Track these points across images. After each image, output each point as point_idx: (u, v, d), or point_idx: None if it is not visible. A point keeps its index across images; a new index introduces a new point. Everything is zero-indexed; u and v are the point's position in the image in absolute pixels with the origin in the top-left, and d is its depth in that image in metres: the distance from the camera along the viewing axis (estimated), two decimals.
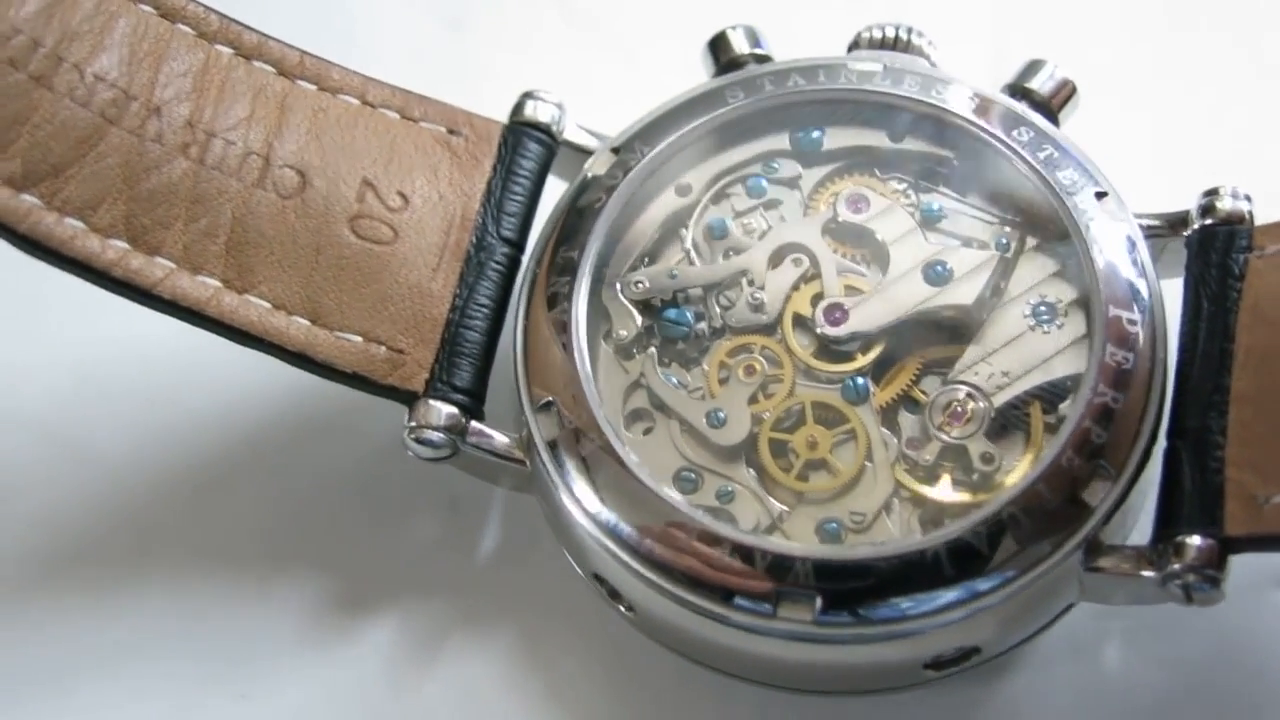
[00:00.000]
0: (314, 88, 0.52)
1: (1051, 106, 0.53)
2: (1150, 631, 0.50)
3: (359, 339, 0.50)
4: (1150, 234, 0.50)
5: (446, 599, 0.53)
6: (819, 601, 0.45)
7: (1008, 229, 0.51)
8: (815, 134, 0.53)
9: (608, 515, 0.47)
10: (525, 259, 0.52)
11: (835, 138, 0.53)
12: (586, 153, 0.53)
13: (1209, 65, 0.60)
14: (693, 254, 0.52)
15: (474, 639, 0.52)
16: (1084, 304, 0.49)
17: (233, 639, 0.52)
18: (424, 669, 0.52)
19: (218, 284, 0.49)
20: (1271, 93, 0.59)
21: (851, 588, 0.45)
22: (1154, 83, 0.60)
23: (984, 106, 0.51)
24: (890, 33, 0.54)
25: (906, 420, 0.49)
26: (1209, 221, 0.50)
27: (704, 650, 0.49)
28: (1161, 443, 0.47)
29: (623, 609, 0.50)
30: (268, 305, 0.49)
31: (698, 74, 0.54)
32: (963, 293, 0.50)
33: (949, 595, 0.45)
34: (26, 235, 0.47)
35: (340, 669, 0.52)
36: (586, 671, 0.52)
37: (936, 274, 0.50)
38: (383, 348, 0.50)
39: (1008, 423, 0.49)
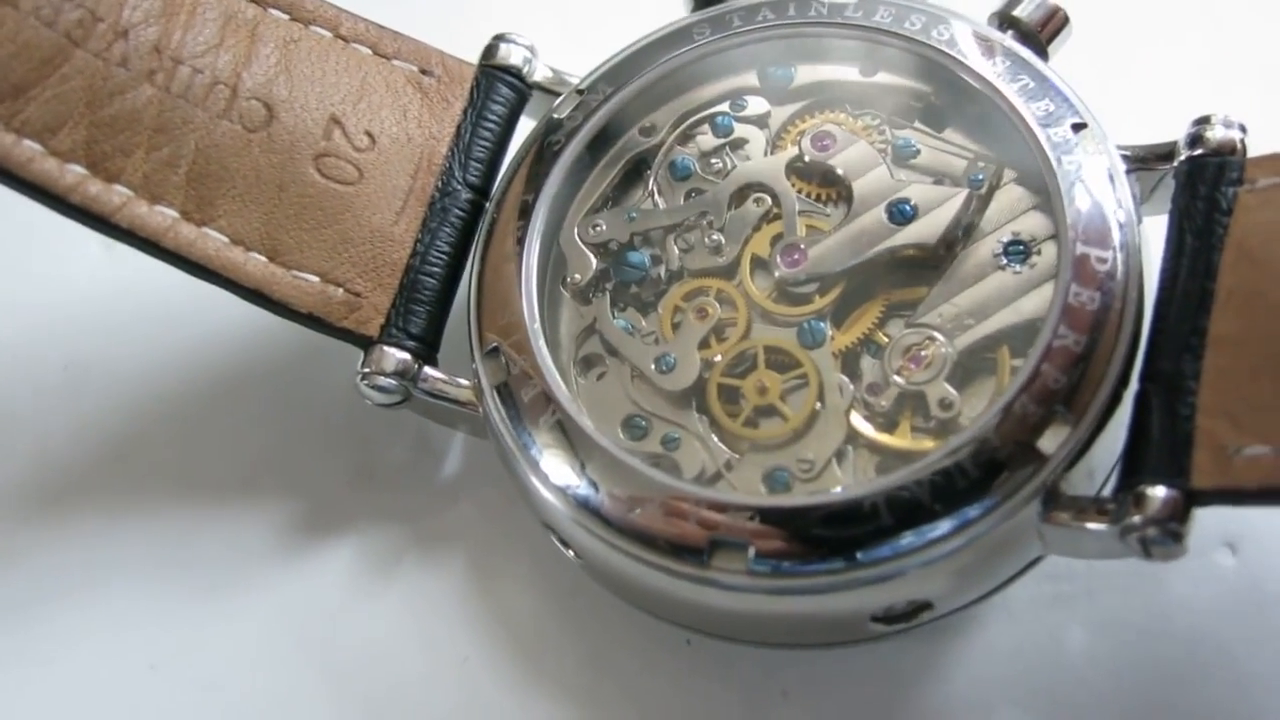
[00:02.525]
0: (286, 17, 0.50)
1: (1040, 37, 0.48)
2: (1096, 594, 0.46)
3: (316, 279, 0.48)
4: (1137, 167, 0.46)
5: (404, 525, 0.51)
6: (751, 551, 0.42)
7: (983, 164, 0.47)
8: (785, 71, 0.49)
9: (549, 461, 0.45)
10: (488, 204, 0.50)
11: (805, 74, 0.49)
12: (557, 95, 0.51)
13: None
14: (655, 195, 0.49)
15: (427, 563, 0.51)
16: (1055, 235, 0.45)
17: (201, 561, 0.51)
18: (377, 591, 0.50)
19: (176, 215, 0.47)
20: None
21: (786, 537, 0.42)
22: (1155, 13, 0.55)
23: (960, 36, 0.47)
24: None
25: (868, 365, 0.46)
26: (1198, 152, 0.45)
27: (647, 599, 0.46)
28: (1133, 386, 0.43)
29: (572, 554, 0.47)
30: (226, 239, 0.48)
31: (677, 10, 0.51)
32: (926, 231, 0.46)
33: (892, 546, 0.42)
34: None
35: (300, 587, 0.51)
36: (531, 598, 0.50)
37: (901, 212, 0.46)
38: (340, 290, 0.48)
39: (974, 367, 0.45)
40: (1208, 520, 0.41)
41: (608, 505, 0.44)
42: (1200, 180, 0.44)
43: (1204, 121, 0.45)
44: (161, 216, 0.47)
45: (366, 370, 0.48)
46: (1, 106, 0.45)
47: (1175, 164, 0.45)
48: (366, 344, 0.48)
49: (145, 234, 0.47)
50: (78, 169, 0.46)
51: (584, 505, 0.44)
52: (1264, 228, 0.43)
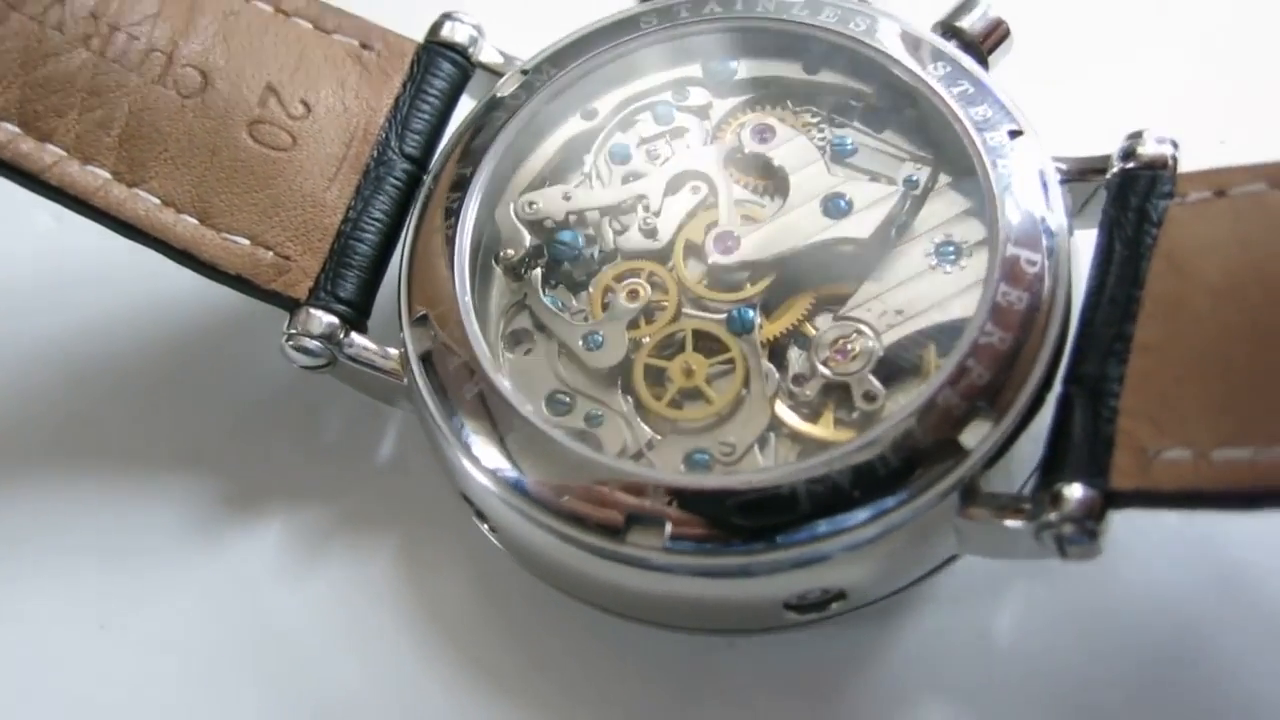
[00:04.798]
0: None
1: (981, 48, 0.47)
2: (1043, 579, 0.45)
3: (246, 242, 0.46)
4: (1070, 179, 0.45)
5: (335, 505, 0.49)
6: (668, 528, 0.41)
7: (918, 165, 0.46)
8: (729, 64, 0.48)
9: (470, 433, 0.43)
10: (426, 177, 0.48)
11: (749, 68, 0.48)
12: (501, 76, 0.50)
13: (1150, 16, 0.55)
14: (593, 178, 0.48)
15: (357, 545, 0.48)
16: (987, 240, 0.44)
17: (117, 539, 0.49)
18: (304, 573, 0.48)
19: (107, 175, 0.46)
20: (1211, 47, 0.54)
21: (704, 516, 0.41)
22: (1093, 32, 0.54)
23: (903, 40, 0.46)
24: None
25: (795, 356, 0.45)
26: (1130, 165, 0.44)
27: (562, 578, 0.45)
28: (1057, 389, 0.42)
29: (487, 529, 0.46)
30: (156, 201, 0.46)
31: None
32: (860, 226, 0.45)
33: (807, 532, 0.41)
34: None
35: (223, 567, 0.48)
36: (460, 582, 0.48)
37: (836, 207, 0.46)
38: (270, 253, 0.46)
39: (900, 364, 0.44)
40: None
41: (526, 478, 0.42)
42: (1132, 192, 0.44)
43: (1137, 136, 0.44)
44: (93, 176, 0.46)
45: (292, 331, 0.46)
46: None
47: (1108, 177, 0.45)
48: (294, 307, 0.46)
49: (75, 192, 0.46)
50: (9, 127, 0.46)
51: (502, 478, 0.42)
52: (1193, 240, 0.42)
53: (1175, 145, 0.44)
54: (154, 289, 0.53)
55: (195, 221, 0.46)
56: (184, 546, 0.49)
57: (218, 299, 0.52)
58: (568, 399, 0.45)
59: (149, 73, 0.47)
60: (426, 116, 0.49)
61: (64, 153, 0.46)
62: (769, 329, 0.45)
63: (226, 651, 0.47)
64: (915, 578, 0.43)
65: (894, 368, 0.44)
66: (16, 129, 0.45)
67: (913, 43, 0.46)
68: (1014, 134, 0.44)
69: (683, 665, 0.46)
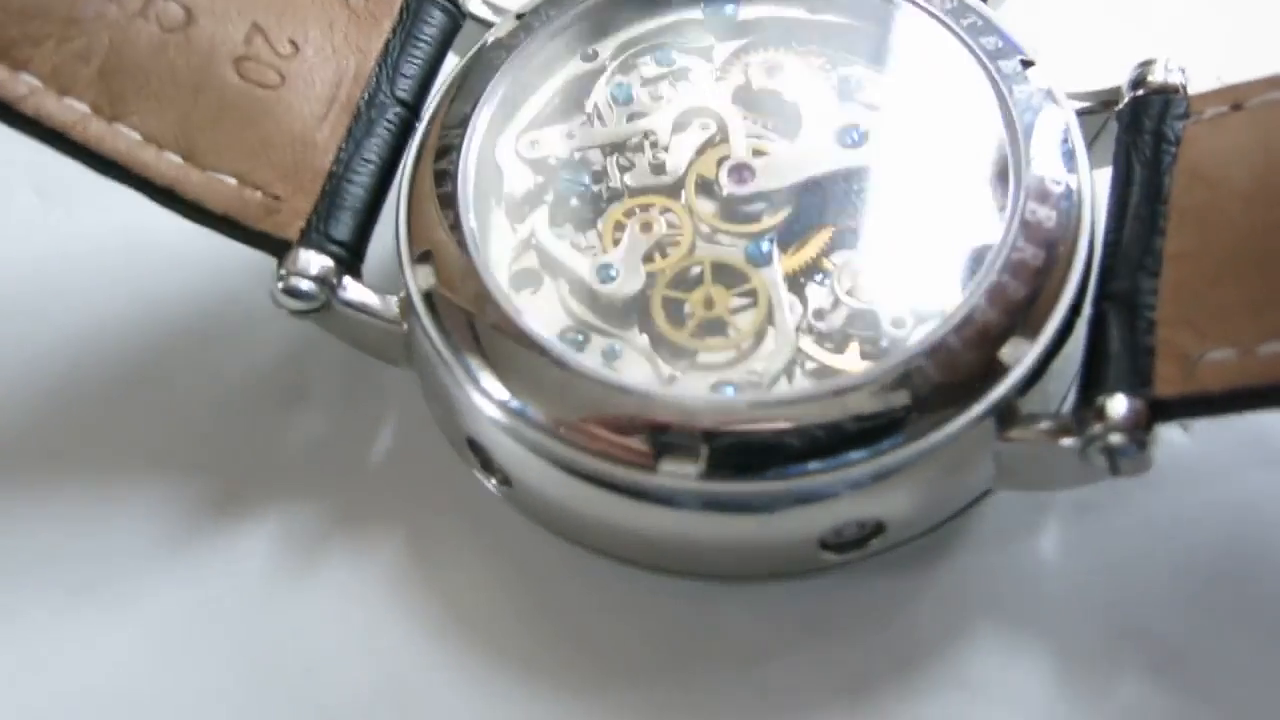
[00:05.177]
0: None
1: None
2: (1084, 514, 0.44)
3: (234, 181, 0.44)
4: (1082, 111, 0.45)
5: (330, 500, 0.46)
6: (705, 451, 0.39)
7: (928, 100, 0.45)
8: (730, 6, 0.47)
9: (482, 368, 0.41)
10: (421, 119, 0.46)
11: (750, 10, 0.47)
12: (490, 28, 0.48)
13: None
14: (595, 118, 0.46)
15: (358, 542, 0.45)
16: (1005, 168, 0.43)
17: (104, 543, 0.45)
18: (303, 576, 0.45)
19: (86, 109, 0.43)
20: None
21: (739, 442, 0.39)
22: None
23: None
24: None
25: (814, 291, 0.43)
26: (1141, 92, 0.44)
27: (585, 524, 0.42)
28: (1087, 312, 0.41)
29: (494, 483, 0.43)
30: (138, 137, 0.43)
31: None
32: (878, 150, 0.44)
33: (847, 455, 0.39)
34: None
35: (218, 576, 0.45)
36: (472, 576, 0.44)
37: (850, 139, 0.45)
38: (258, 193, 0.44)
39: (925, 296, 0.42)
40: None
41: (547, 411, 0.40)
42: (1146, 116, 0.43)
43: (1147, 64, 0.44)
44: (71, 110, 0.43)
45: (284, 272, 0.43)
46: None
47: (1119, 107, 0.44)
48: (284, 249, 0.43)
49: (52, 125, 0.42)
50: None
51: (520, 414, 0.40)
52: (1214, 153, 0.42)
53: (1184, 72, 0.44)
54: (136, 289, 0.50)
55: (179, 159, 0.43)
56: (176, 553, 0.45)
57: (200, 295, 0.50)
58: (581, 336, 0.42)
59: (130, 5, 0.44)
60: (418, 62, 0.47)
61: (40, 83, 0.42)
62: (787, 263, 0.43)
63: (229, 662, 0.44)
64: (953, 511, 0.42)
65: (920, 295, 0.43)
66: None
67: None
68: (1026, 64, 0.44)
69: (713, 634, 0.43)
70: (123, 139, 0.43)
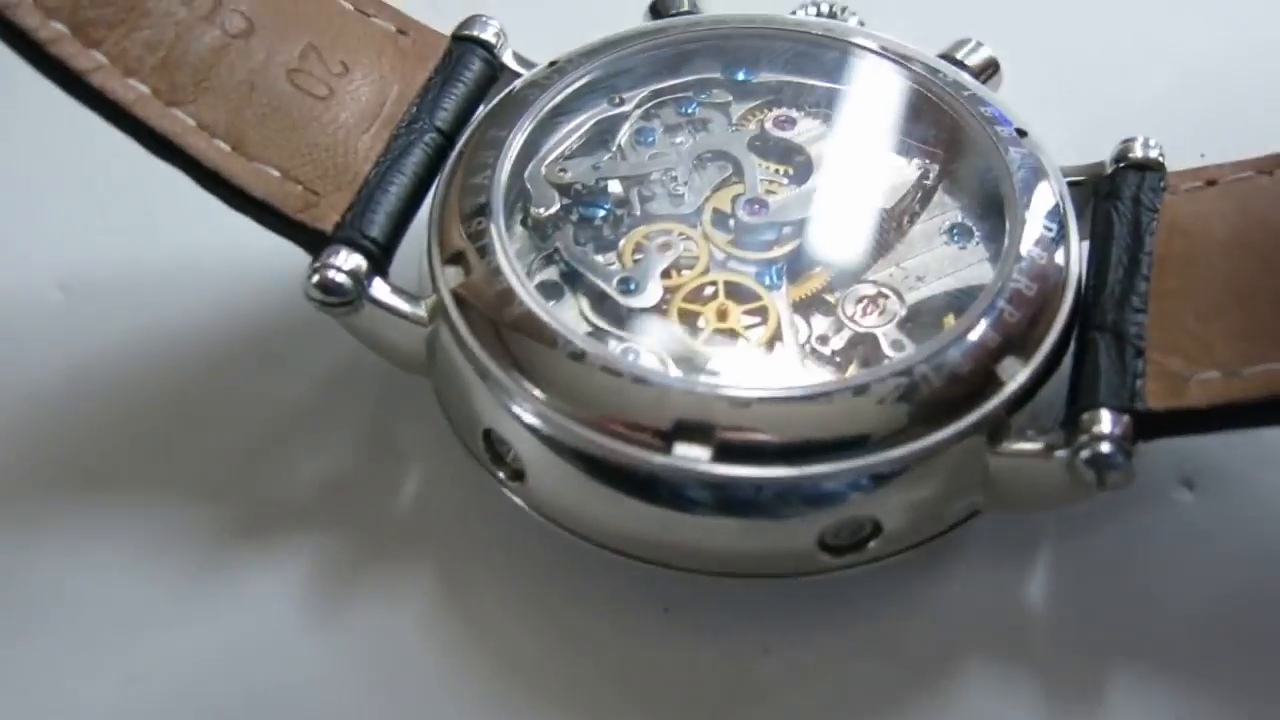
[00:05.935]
0: None
1: (978, 78, 0.51)
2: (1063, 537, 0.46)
3: (277, 174, 0.46)
4: (1068, 182, 0.48)
5: (359, 535, 0.47)
6: (717, 436, 0.40)
7: (928, 158, 0.49)
8: (748, 70, 0.51)
9: (509, 361, 0.43)
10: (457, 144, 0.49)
11: (766, 75, 0.51)
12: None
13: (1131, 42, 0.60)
14: (619, 155, 0.49)
15: (387, 582, 0.46)
16: (999, 222, 0.46)
17: (127, 581, 0.46)
18: (333, 613, 0.45)
19: (146, 91, 0.45)
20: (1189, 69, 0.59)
21: (753, 430, 0.40)
22: (1075, 57, 0.59)
23: (911, 55, 0.50)
24: (825, 7, 0.53)
25: (817, 320, 0.46)
26: (1123, 165, 0.48)
27: (600, 519, 0.43)
28: (1074, 344, 0.44)
29: (505, 476, 0.44)
30: (192, 123, 0.46)
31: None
32: (883, 198, 0.47)
33: (850, 451, 0.41)
34: None
35: (245, 613, 0.45)
36: (508, 612, 0.45)
37: (858, 183, 0.48)
38: (299, 186, 0.46)
39: (922, 324, 0.45)
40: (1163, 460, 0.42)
41: (566, 399, 0.42)
42: (1125, 186, 0.47)
43: (1129, 141, 0.48)
44: (132, 90, 0.45)
45: (318, 265, 0.45)
46: None
47: (1101, 178, 0.48)
48: (320, 241, 0.45)
49: (113, 99, 0.45)
50: (59, 27, 0.45)
51: (539, 402, 0.42)
52: (1194, 214, 0.45)
53: (1161, 150, 0.48)
54: (162, 324, 0.52)
55: (227, 148, 0.46)
56: (202, 587, 0.46)
57: (231, 330, 0.52)
58: (600, 340, 0.44)
59: (198, 9, 0.47)
60: (456, 98, 0.50)
61: (108, 62, 0.45)
62: (793, 292, 0.46)
63: (257, 701, 0.44)
64: (945, 525, 0.43)
65: (917, 327, 0.45)
66: (65, 29, 0.45)
67: (918, 56, 0.50)
68: (1020, 133, 0.48)
69: (733, 637, 0.44)
70: (178, 122, 0.46)
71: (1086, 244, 0.47)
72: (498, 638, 0.45)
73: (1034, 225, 0.45)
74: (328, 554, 0.47)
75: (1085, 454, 0.41)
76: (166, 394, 0.50)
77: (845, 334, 0.45)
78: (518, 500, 0.45)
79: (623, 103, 0.50)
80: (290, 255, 0.47)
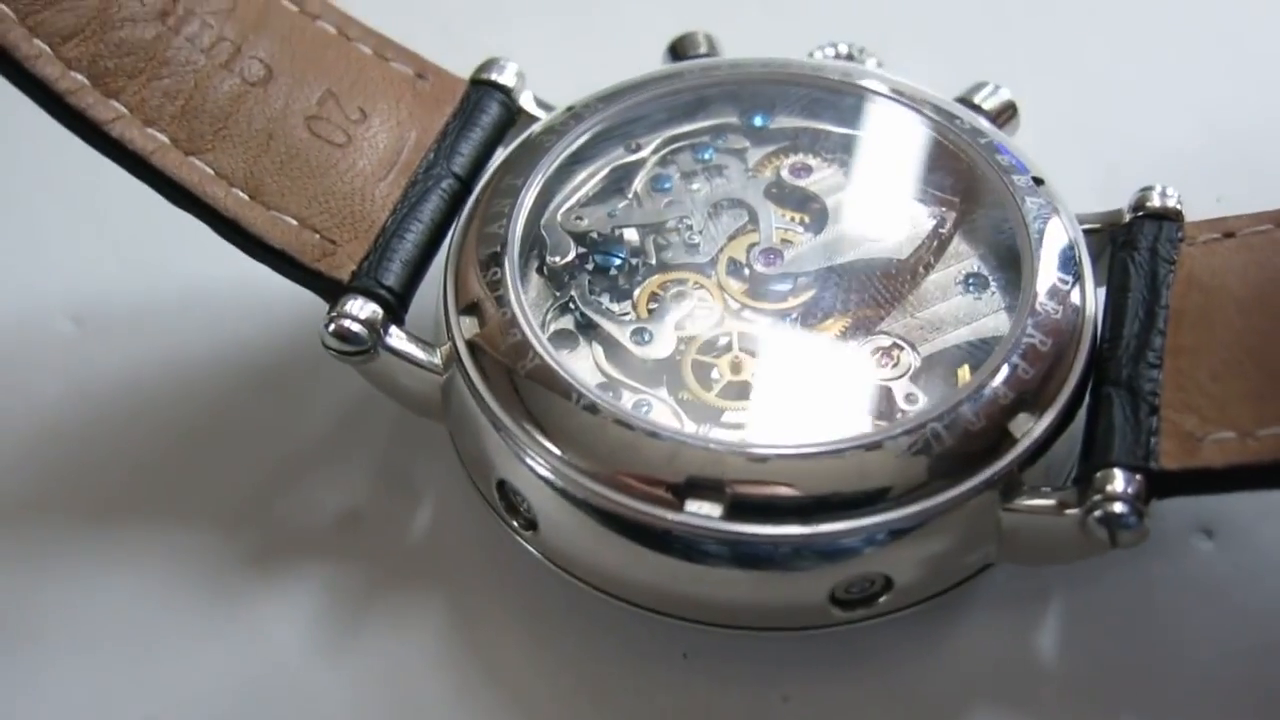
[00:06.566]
0: (295, 9, 0.50)
1: (995, 122, 0.51)
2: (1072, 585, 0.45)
3: (294, 222, 0.46)
4: (1085, 230, 0.48)
5: (370, 568, 0.47)
6: (729, 494, 0.40)
7: (945, 207, 0.49)
8: (764, 116, 0.51)
9: (522, 412, 0.43)
10: (471, 195, 0.49)
11: (783, 120, 0.51)
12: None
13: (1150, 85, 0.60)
14: (635, 202, 0.49)
15: (399, 614, 0.46)
16: (1015, 272, 0.46)
17: (138, 614, 0.46)
18: (343, 646, 0.45)
19: (166, 140, 0.46)
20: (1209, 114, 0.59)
21: (762, 487, 0.41)
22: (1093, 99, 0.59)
23: (929, 100, 0.50)
24: (843, 49, 0.53)
25: None
26: (1140, 214, 0.47)
27: (605, 567, 0.43)
28: (1088, 399, 0.44)
29: (518, 525, 0.44)
30: (211, 172, 0.46)
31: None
32: (898, 249, 0.47)
33: (863, 508, 0.41)
34: None
35: (256, 645, 0.46)
36: (521, 653, 0.45)
37: (873, 233, 0.48)
38: (316, 235, 0.46)
39: (936, 376, 0.45)
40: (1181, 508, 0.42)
41: (580, 452, 0.42)
42: (1142, 236, 0.47)
43: (1147, 190, 0.48)
44: (152, 140, 0.46)
45: (334, 314, 0.45)
46: (21, 2, 0.45)
47: (1118, 226, 0.48)
48: (336, 290, 0.46)
49: (133, 149, 0.46)
50: (79, 78, 0.46)
51: (553, 455, 0.42)
52: (1211, 268, 0.45)
53: (1179, 200, 0.48)
54: (175, 356, 0.52)
55: (246, 196, 0.46)
56: (214, 620, 0.46)
57: (244, 362, 0.52)
58: (613, 392, 0.45)
59: (217, 57, 0.47)
60: (473, 143, 0.50)
61: (127, 112, 0.45)
62: None
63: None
64: (958, 579, 0.43)
65: (931, 379, 0.45)
66: (85, 80, 0.45)
67: (935, 103, 0.50)
68: (1037, 181, 0.48)
69: (752, 686, 0.44)
70: (196, 171, 0.46)
71: (1103, 289, 0.47)
72: (510, 678, 0.45)
73: (1049, 277, 0.45)
74: (340, 588, 0.47)
75: (1098, 513, 0.40)
76: (179, 426, 0.51)
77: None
78: (531, 549, 0.45)
79: (639, 149, 0.50)
80: (304, 289, 0.47)
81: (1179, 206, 0.47)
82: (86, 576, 0.47)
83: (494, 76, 0.51)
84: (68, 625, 0.46)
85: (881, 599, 0.42)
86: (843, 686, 0.44)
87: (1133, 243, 0.47)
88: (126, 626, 0.46)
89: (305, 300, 0.47)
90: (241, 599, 0.47)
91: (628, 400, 0.44)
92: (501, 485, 0.44)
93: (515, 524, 0.44)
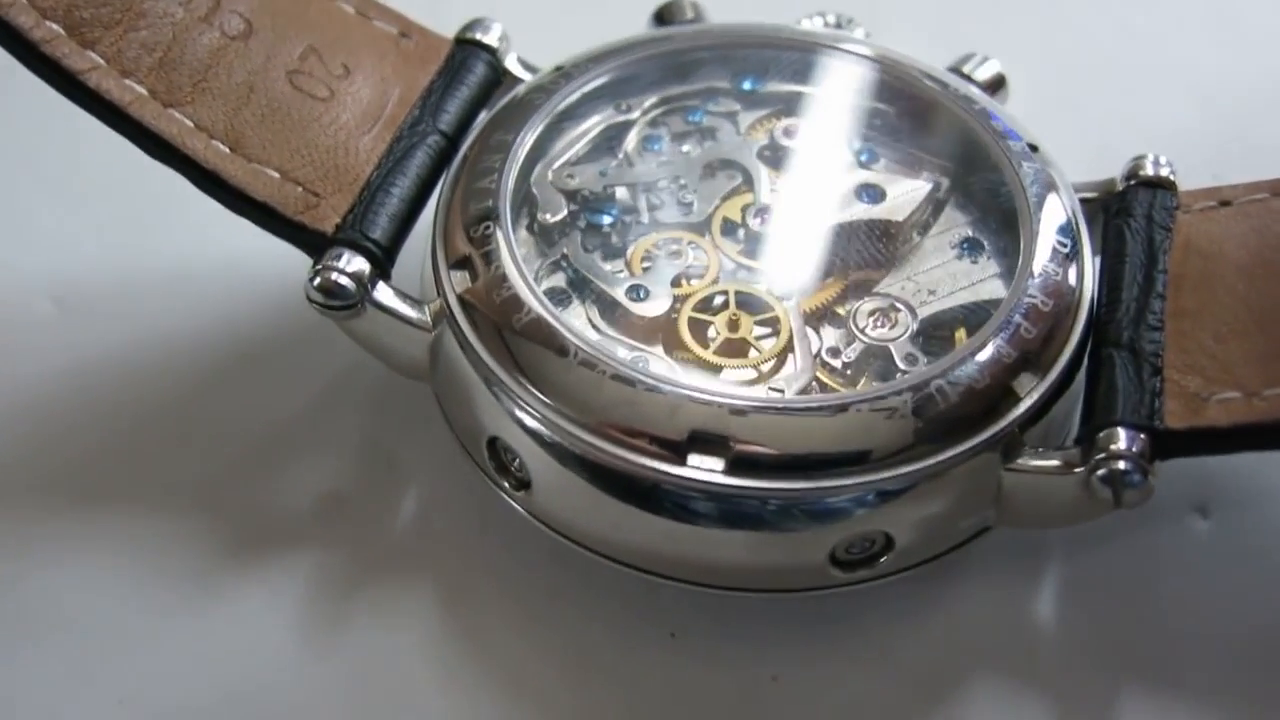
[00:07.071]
0: None
1: (986, 91, 0.51)
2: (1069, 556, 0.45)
3: (276, 175, 0.45)
4: (1080, 198, 0.47)
5: (361, 552, 0.45)
6: (732, 448, 0.39)
7: (940, 172, 0.48)
8: (756, 80, 0.50)
9: (516, 366, 0.41)
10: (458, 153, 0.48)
11: (774, 85, 0.50)
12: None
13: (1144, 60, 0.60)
14: (627, 161, 0.48)
15: (387, 600, 0.45)
16: (1009, 238, 0.45)
17: (119, 597, 0.44)
18: (333, 629, 0.44)
19: (144, 92, 0.44)
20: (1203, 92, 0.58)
21: (764, 441, 0.40)
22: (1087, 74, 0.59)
23: (922, 66, 0.49)
24: (831, 19, 0.52)
25: (828, 332, 0.45)
26: (1134, 183, 0.47)
27: (608, 530, 0.42)
28: (1088, 361, 0.43)
29: (510, 486, 0.43)
30: (190, 124, 0.44)
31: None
32: (895, 209, 0.46)
33: (864, 464, 0.40)
34: None
35: (240, 632, 0.44)
36: (511, 633, 0.44)
37: (870, 195, 0.47)
38: (299, 188, 0.45)
39: (934, 338, 0.44)
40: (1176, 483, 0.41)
41: (577, 407, 0.40)
42: (1138, 203, 0.46)
43: (1140, 159, 0.47)
44: (129, 91, 0.44)
45: (320, 267, 0.43)
46: None
47: (1112, 195, 0.47)
48: (320, 242, 0.44)
49: (110, 100, 0.44)
50: (53, 26, 0.44)
51: (548, 409, 0.41)
52: (1208, 235, 0.45)
53: (1172, 168, 0.48)
54: (156, 336, 0.50)
55: (226, 149, 0.44)
56: (196, 606, 0.44)
57: (226, 342, 0.50)
58: (610, 348, 0.43)
59: (196, 11, 0.46)
60: (459, 101, 0.49)
61: (104, 63, 0.44)
62: (805, 304, 0.45)
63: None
64: (957, 540, 0.42)
65: (929, 341, 0.44)
66: (60, 29, 0.43)
67: (929, 69, 0.49)
68: (1032, 147, 0.47)
69: (741, 666, 0.43)
70: (175, 123, 0.44)
71: (1098, 257, 0.47)
72: (500, 660, 0.44)
73: (1047, 240, 0.44)
74: (325, 571, 0.45)
75: (1102, 472, 0.40)
76: (160, 407, 0.49)
77: (857, 346, 0.44)
78: (521, 510, 0.43)
79: (629, 109, 0.49)
80: (287, 265, 0.46)
81: (1173, 176, 0.47)
82: (64, 559, 0.45)
83: (479, 36, 0.50)
84: (42, 609, 0.44)
85: (882, 559, 0.42)
86: (833, 661, 0.44)
87: (1128, 210, 0.46)
88: (103, 609, 0.44)
89: (289, 281, 0.46)
90: (223, 582, 0.45)
91: (625, 355, 0.43)
92: (492, 443, 0.43)
93: (506, 485, 0.43)
